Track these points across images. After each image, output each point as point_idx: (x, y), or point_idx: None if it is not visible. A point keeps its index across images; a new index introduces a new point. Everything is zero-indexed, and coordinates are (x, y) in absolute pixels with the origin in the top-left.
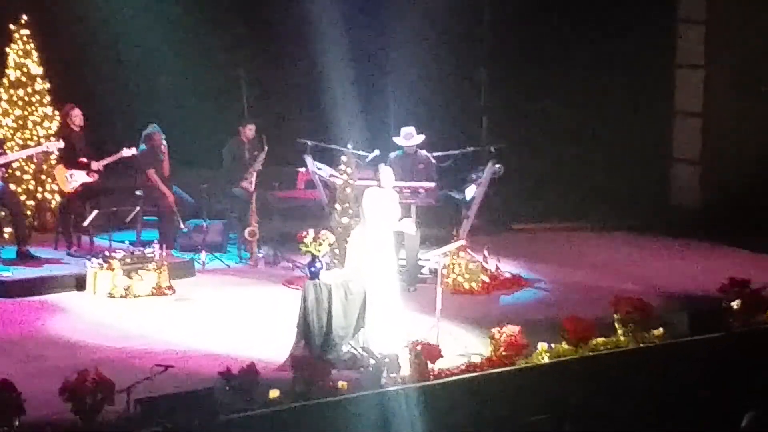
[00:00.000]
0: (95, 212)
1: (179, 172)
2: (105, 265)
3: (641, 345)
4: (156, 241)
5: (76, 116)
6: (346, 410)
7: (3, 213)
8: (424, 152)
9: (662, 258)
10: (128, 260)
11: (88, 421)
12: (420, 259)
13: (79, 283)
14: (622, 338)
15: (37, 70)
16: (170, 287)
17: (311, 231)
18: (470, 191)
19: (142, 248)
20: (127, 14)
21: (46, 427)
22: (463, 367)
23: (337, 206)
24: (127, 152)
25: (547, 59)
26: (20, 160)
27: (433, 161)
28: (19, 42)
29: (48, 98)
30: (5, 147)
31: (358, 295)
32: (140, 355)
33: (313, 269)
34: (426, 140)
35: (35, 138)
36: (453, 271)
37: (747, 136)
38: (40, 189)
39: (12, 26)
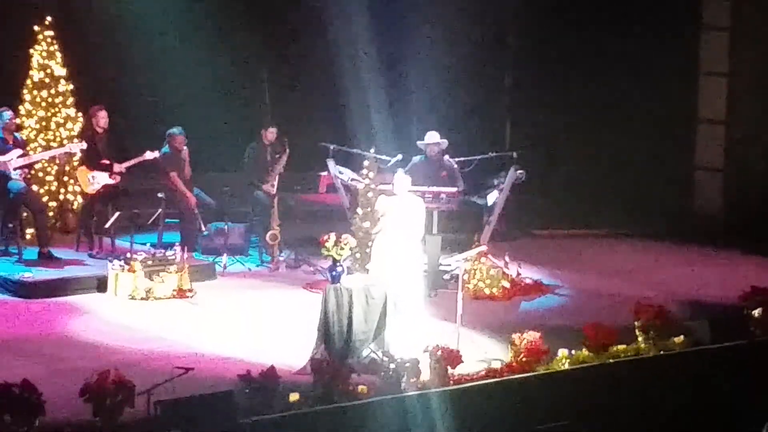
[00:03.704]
0: (117, 214)
1: (201, 174)
2: (126, 267)
3: (662, 352)
4: (177, 244)
5: (102, 118)
6: (366, 414)
7: (25, 214)
8: (446, 158)
9: (684, 265)
10: (149, 262)
11: (107, 422)
12: (441, 265)
13: (101, 285)
14: (642, 345)
15: (60, 71)
16: (191, 290)
17: (333, 235)
18: (492, 197)
19: (163, 250)
20: (151, 18)
21: (66, 428)
22: (483, 373)
23: (359, 210)
24: (149, 155)
25: (572, 66)
26: (43, 161)
27: (456, 166)
28: (43, 43)
29: (71, 100)
30: (28, 148)
31: (379, 299)
32: (161, 357)
33: (334, 273)
34: (449, 144)
35: (58, 139)
36: (474, 276)
37: None
38: (62, 190)
39: (36, 27)
